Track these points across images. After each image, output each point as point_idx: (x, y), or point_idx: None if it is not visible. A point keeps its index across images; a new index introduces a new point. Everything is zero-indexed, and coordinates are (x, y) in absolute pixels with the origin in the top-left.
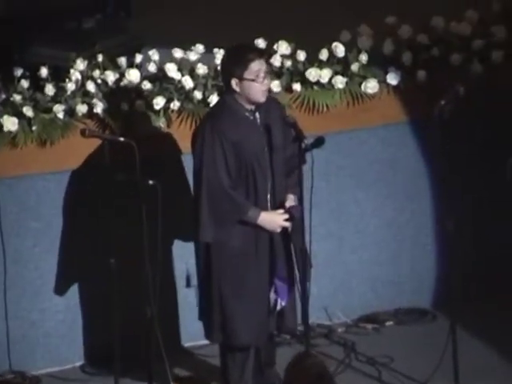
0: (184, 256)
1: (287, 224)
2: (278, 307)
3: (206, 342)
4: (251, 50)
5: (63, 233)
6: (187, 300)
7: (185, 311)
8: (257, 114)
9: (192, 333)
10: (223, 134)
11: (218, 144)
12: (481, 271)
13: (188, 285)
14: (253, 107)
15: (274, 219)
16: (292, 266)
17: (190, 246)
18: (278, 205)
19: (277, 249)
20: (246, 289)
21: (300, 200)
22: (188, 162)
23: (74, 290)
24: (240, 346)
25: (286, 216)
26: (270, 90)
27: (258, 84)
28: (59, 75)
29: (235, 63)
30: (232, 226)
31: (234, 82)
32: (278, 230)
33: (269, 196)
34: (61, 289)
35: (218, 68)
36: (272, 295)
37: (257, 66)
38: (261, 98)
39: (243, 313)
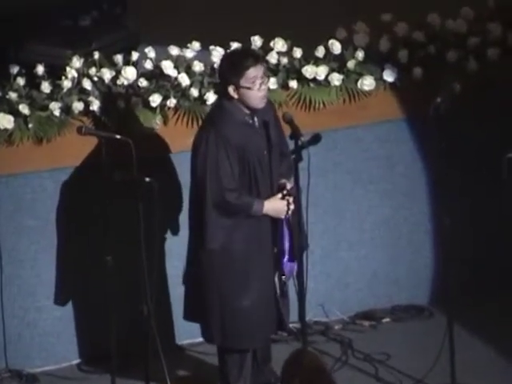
0: (181, 254)
1: (291, 208)
2: (284, 279)
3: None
4: (247, 57)
5: (59, 231)
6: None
7: (182, 309)
8: (255, 117)
9: (189, 330)
10: (227, 139)
11: (222, 151)
12: (478, 268)
13: (184, 282)
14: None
15: (276, 206)
16: (292, 242)
17: (186, 244)
18: (276, 190)
19: (282, 232)
20: (248, 292)
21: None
22: (184, 160)
23: (70, 288)
24: (241, 348)
25: (286, 202)
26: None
27: (254, 91)
28: (55, 73)
29: (231, 70)
30: (237, 228)
31: (231, 89)
32: (282, 215)
33: (270, 195)
34: (57, 287)
35: (216, 68)
36: (277, 280)
37: (253, 73)
38: (259, 104)
39: (245, 316)
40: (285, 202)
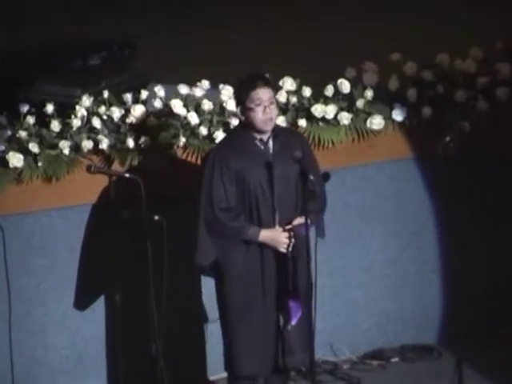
0: (193, 291)
1: (292, 241)
2: (289, 327)
3: (216, 377)
4: (256, 79)
5: (68, 269)
6: (198, 334)
7: (195, 346)
8: (270, 144)
9: (204, 367)
10: (225, 161)
11: (218, 171)
12: (487, 308)
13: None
14: (264, 136)
15: (275, 236)
16: (298, 284)
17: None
18: (284, 224)
19: (288, 270)
20: (251, 317)
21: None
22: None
23: (79, 327)
24: (242, 376)
25: (287, 234)
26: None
27: (257, 113)
28: (65, 111)
29: (239, 92)
30: (234, 250)
31: (239, 111)
32: (281, 248)
33: (272, 224)
34: (66, 325)
35: (224, 104)
36: (280, 319)
37: (257, 95)
38: (263, 126)
39: (247, 342)
40: (285, 235)
